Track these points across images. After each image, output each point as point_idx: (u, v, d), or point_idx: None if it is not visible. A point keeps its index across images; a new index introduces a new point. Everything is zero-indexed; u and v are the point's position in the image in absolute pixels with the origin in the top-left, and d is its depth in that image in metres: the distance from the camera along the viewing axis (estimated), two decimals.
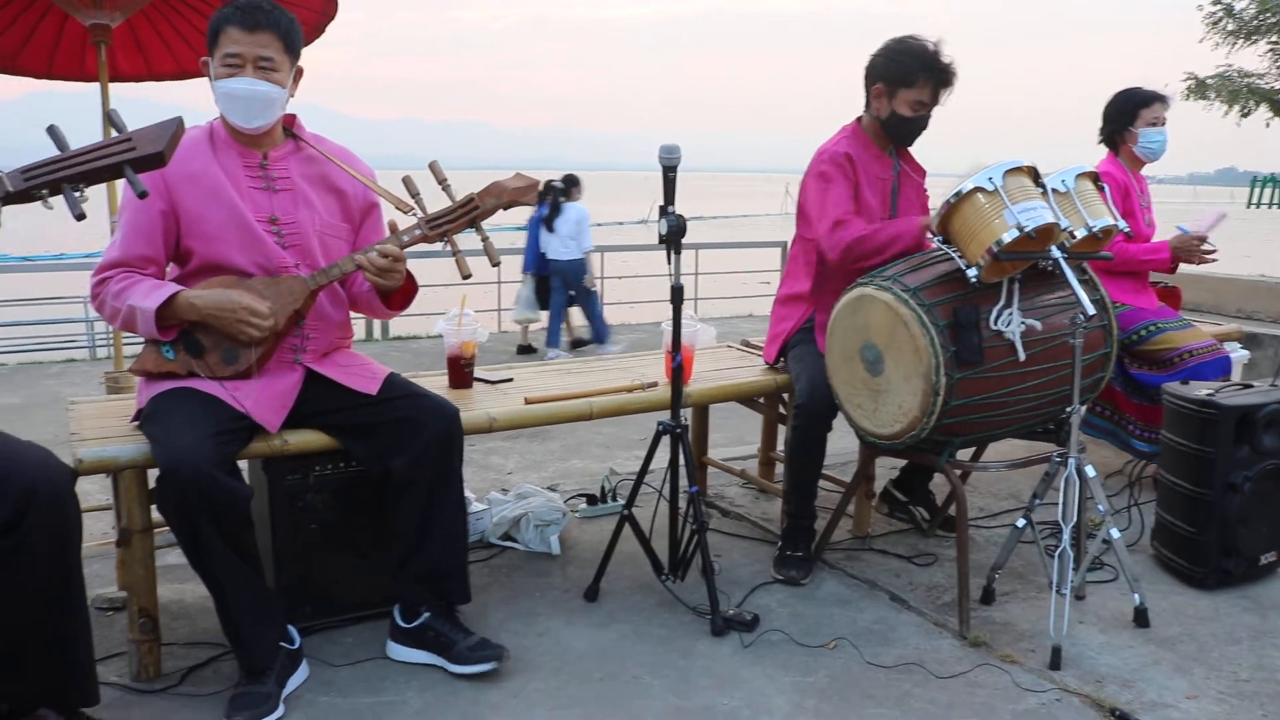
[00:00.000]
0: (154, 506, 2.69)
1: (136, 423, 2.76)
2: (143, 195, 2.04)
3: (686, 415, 3.22)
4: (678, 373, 3.07)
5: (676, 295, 3.00)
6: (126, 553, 2.74)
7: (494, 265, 2.82)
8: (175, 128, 2.06)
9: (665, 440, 3.11)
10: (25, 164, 2.00)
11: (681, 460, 3.09)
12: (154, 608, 2.75)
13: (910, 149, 3.59)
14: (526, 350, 9.75)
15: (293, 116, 2.85)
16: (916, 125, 3.46)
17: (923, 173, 3.62)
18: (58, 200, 2.02)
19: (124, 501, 2.71)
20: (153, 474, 2.63)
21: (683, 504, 3.13)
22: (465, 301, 3.35)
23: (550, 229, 9.24)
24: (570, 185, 9.45)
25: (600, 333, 9.48)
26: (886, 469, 4.14)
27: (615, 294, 12.96)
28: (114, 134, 2.06)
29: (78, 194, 2.00)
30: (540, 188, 9.03)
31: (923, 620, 3.12)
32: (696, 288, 11.99)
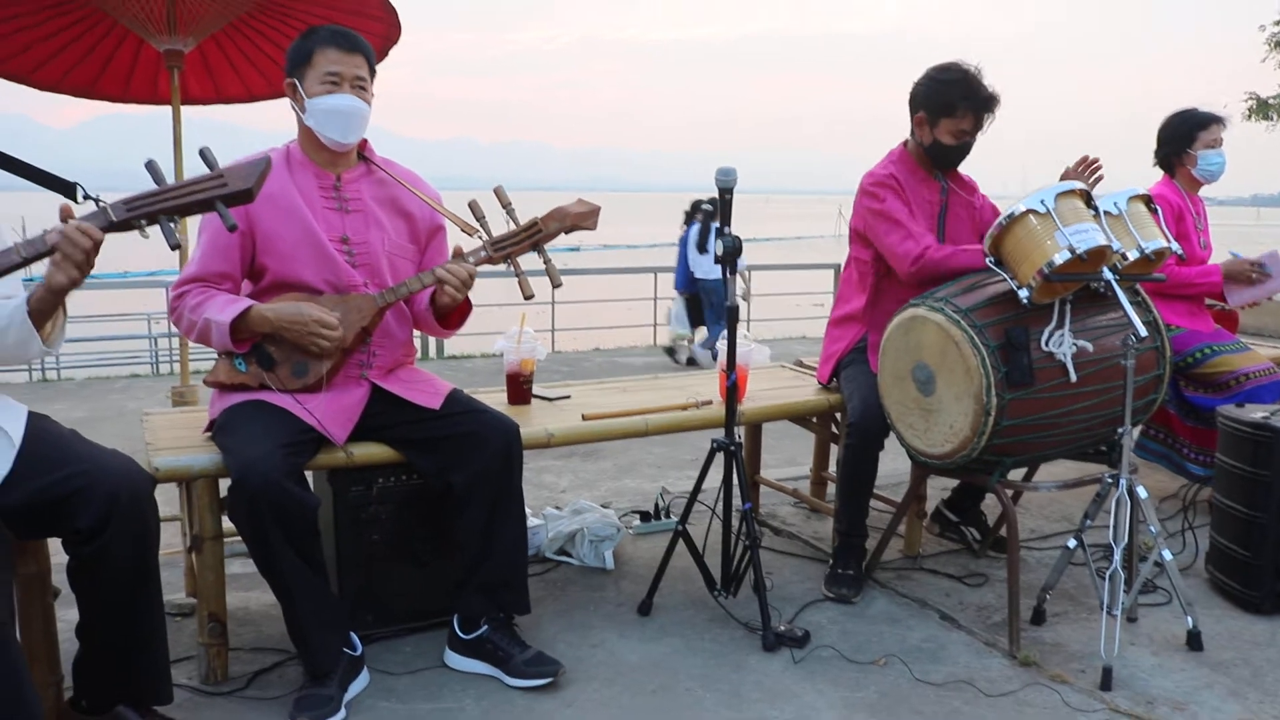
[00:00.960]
0: (225, 514, 2.79)
1: (209, 433, 2.87)
2: (233, 228, 2.16)
3: (740, 434, 3.26)
4: (732, 391, 3.13)
5: (732, 315, 3.06)
6: (198, 559, 2.83)
7: (555, 286, 2.90)
8: (264, 167, 2.18)
9: (718, 458, 3.17)
10: (127, 196, 2.14)
11: (735, 477, 3.14)
12: (223, 613, 2.84)
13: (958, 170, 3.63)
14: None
15: (365, 140, 2.96)
16: (959, 152, 3.50)
17: (972, 188, 3.65)
18: (153, 229, 2.16)
19: (196, 509, 2.81)
20: (224, 483, 2.73)
21: (735, 521, 3.18)
22: (524, 320, 3.43)
23: (702, 249, 9.54)
24: None
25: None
26: (938, 490, 4.16)
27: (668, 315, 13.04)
28: (206, 170, 2.18)
29: (173, 225, 2.15)
30: (690, 208, 9.07)
31: (973, 639, 3.14)
32: (750, 309, 12.05)
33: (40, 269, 2.21)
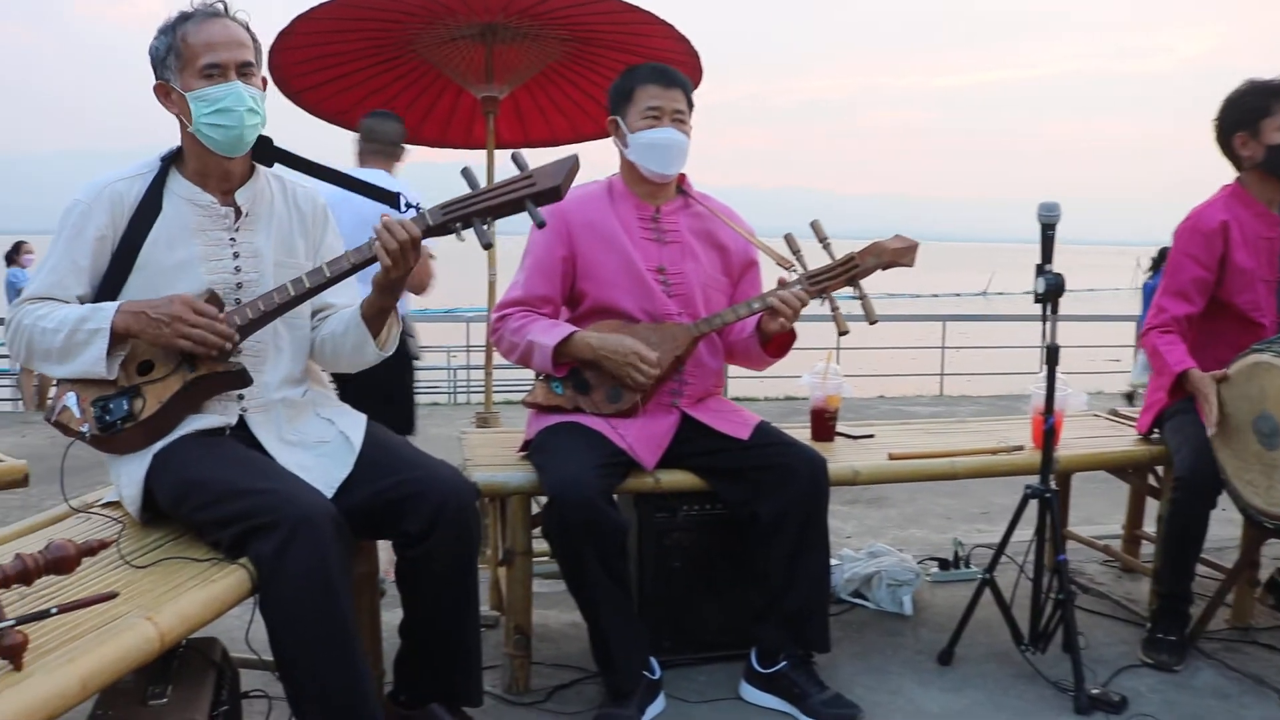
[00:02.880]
0: (535, 530, 2.89)
1: (523, 453, 2.99)
2: (541, 225, 2.24)
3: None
4: (1049, 435, 2.96)
5: (1052, 355, 2.91)
6: (508, 572, 2.95)
7: (871, 323, 2.86)
8: (571, 165, 2.21)
9: (1029, 507, 3.01)
10: (444, 200, 2.25)
11: (1047, 528, 2.97)
12: (528, 626, 2.94)
13: None
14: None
15: (683, 175, 3.03)
16: None
17: None
18: (468, 233, 2.25)
19: (510, 524, 2.92)
20: (534, 501, 2.83)
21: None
22: (831, 357, 3.39)
23: None
24: None
25: None
26: (1270, 559, 3.80)
27: (954, 364, 12.67)
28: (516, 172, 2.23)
29: (486, 226, 2.23)
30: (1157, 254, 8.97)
31: None
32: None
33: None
